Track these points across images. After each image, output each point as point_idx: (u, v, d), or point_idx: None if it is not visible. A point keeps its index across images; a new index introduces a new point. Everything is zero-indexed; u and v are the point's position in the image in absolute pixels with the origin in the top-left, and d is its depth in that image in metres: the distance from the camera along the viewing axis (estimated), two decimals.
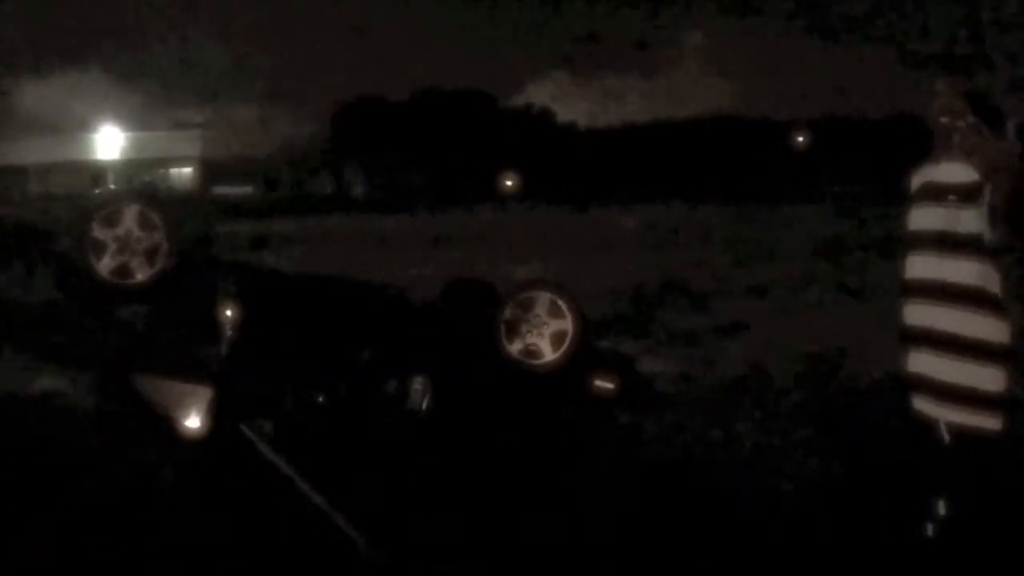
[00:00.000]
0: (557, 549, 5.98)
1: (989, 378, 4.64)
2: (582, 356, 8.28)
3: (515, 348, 8.29)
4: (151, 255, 7.13)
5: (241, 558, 5.57)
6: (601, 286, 15.65)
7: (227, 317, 7.15)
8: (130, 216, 7.10)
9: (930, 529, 4.78)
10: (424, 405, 7.37)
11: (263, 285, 8.26)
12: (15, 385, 7.61)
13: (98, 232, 7.03)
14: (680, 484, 7.06)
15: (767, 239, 21.90)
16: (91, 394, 7.43)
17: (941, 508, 4.76)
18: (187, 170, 31.99)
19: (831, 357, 10.25)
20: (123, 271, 7.07)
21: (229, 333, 7.16)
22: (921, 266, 4.82)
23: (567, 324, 8.40)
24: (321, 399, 7.40)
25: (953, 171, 4.76)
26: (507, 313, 8.32)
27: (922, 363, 4.80)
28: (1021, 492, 4.85)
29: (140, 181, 26.60)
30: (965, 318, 4.66)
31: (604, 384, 8.18)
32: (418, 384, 7.39)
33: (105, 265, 7.04)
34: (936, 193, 4.80)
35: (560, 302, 8.40)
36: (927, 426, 4.79)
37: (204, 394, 6.86)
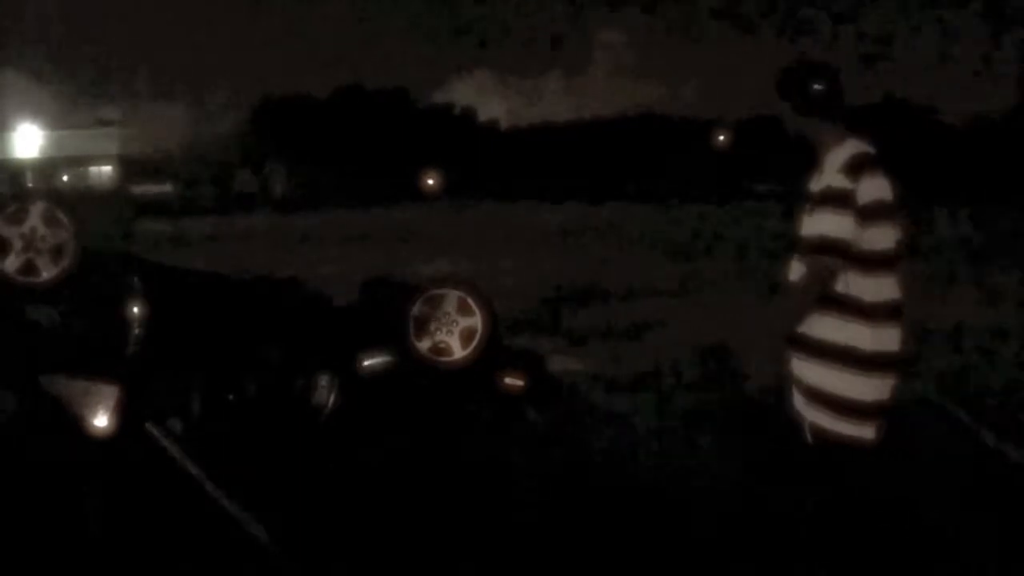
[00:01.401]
0: (462, 545, 6.05)
1: (852, 384, 4.73)
2: (492, 354, 8.33)
3: (424, 345, 8.32)
4: (57, 253, 7.11)
5: (148, 558, 5.58)
6: (519, 284, 15.75)
7: (134, 315, 7.14)
8: (36, 214, 7.08)
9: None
10: (330, 402, 7.40)
11: (172, 283, 8.23)
12: None
13: (3, 230, 7.00)
14: (585, 481, 7.14)
15: (686, 238, 22.08)
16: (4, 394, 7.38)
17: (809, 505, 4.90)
18: (106, 168, 31.70)
19: (739, 356, 10.38)
20: (29, 269, 7.05)
21: (136, 331, 7.15)
22: (796, 269, 4.90)
23: (476, 321, 8.43)
24: (230, 397, 7.40)
25: (813, 180, 4.90)
26: (416, 310, 8.34)
27: (796, 365, 4.88)
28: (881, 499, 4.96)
29: (59, 180, 26.33)
30: (830, 324, 4.74)
31: (513, 381, 8.24)
32: (324, 381, 7.41)
33: (10, 263, 7.02)
34: (809, 198, 4.89)
35: (469, 300, 8.43)
36: (800, 425, 4.89)
37: (111, 393, 6.84)
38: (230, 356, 7.61)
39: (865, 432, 4.77)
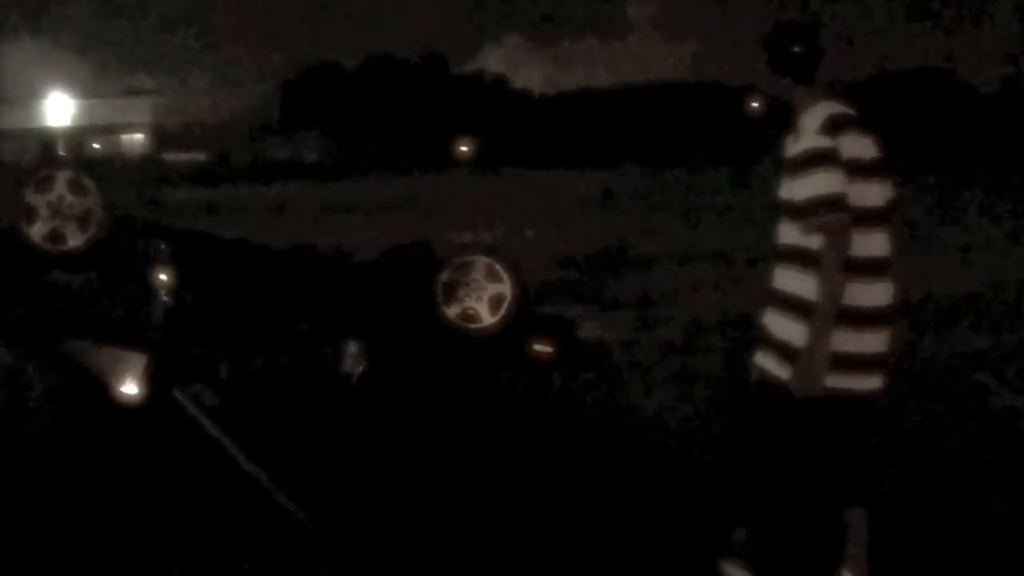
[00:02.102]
0: (490, 512, 6.02)
1: (798, 333, 4.73)
2: (522, 320, 8.28)
3: (453, 312, 8.27)
4: (84, 221, 7.11)
5: (175, 526, 5.56)
6: (551, 251, 15.67)
7: (162, 282, 7.13)
8: (62, 181, 7.07)
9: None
10: (358, 370, 7.36)
11: (201, 250, 8.21)
12: None
13: (30, 197, 7.00)
14: (614, 450, 7.09)
15: (718, 204, 21.96)
16: (33, 364, 7.38)
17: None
18: (139, 136, 31.77)
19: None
20: (56, 236, 7.05)
21: (164, 298, 7.14)
22: (786, 232, 4.91)
23: (505, 288, 8.38)
24: (258, 365, 7.39)
25: (790, 142, 4.92)
26: (445, 276, 8.30)
27: (769, 322, 4.96)
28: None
29: (89, 148, 26.41)
30: (792, 278, 4.79)
31: (542, 348, 8.19)
32: (352, 348, 7.38)
33: (37, 230, 7.01)
34: (790, 163, 4.89)
35: (497, 265, 8.38)
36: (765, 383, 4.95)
37: (138, 360, 6.84)
38: (259, 324, 7.59)
39: (871, 384, 4.81)
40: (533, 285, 8.94)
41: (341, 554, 5.41)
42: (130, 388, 6.75)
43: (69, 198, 7.07)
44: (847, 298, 4.68)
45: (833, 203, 4.62)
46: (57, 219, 7.05)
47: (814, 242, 4.68)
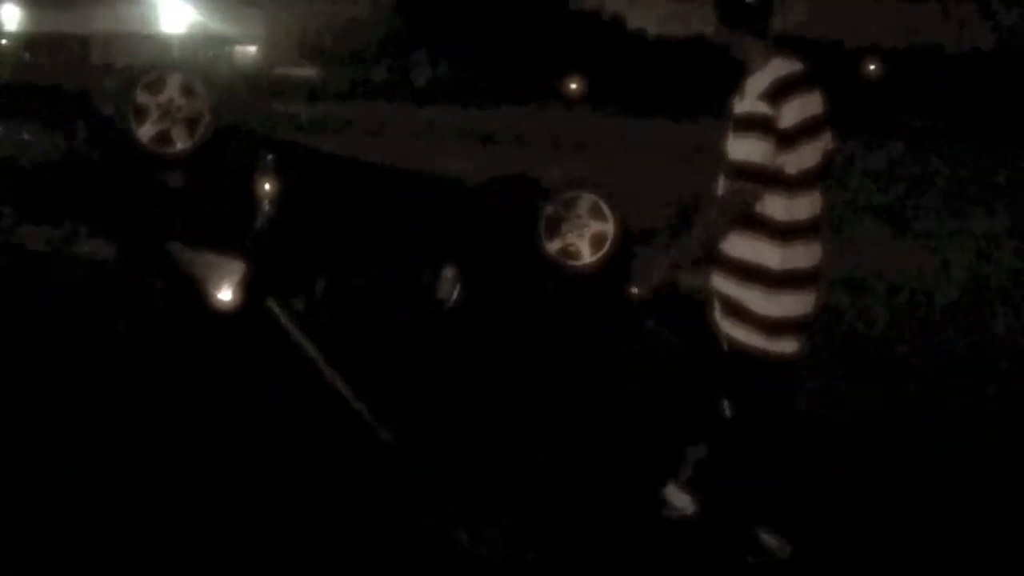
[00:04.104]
0: (571, 444, 5.95)
1: (764, 302, 4.72)
2: (621, 261, 8.18)
3: (554, 247, 8.21)
4: (192, 125, 7.10)
5: (259, 437, 5.55)
6: (652, 195, 15.47)
7: (265, 192, 7.12)
8: (174, 84, 7.06)
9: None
10: (454, 296, 7.32)
11: (306, 164, 8.20)
12: (58, 246, 7.59)
13: (141, 97, 7.00)
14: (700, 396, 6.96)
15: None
16: (130, 261, 7.41)
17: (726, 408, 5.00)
18: (251, 48, 31.85)
19: (866, 288, 10.10)
20: (164, 138, 7.05)
21: (266, 208, 7.13)
22: (723, 187, 4.83)
23: (608, 227, 8.30)
24: (355, 282, 7.37)
25: (735, 99, 4.80)
26: (549, 210, 8.22)
27: (716, 279, 4.89)
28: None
29: (202, 56, 26.52)
30: (745, 243, 4.72)
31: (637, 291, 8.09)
32: (449, 274, 7.33)
33: (146, 132, 7.02)
34: (732, 120, 4.80)
35: (602, 204, 8.29)
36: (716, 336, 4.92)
37: (237, 268, 6.85)
38: (358, 241, 7.57)
39: (783, 347, 4.77)
40: (635, 227, 8.80)
41: (422, 472, 5.36)
42: (225, 295, 6.76)
43: (179, 101, 7.07)
44: (783, 260, 4.68)
45: (753, 174, 4.58)
46: (166, 121, 7.05)
47: (768, 208, 4.64)
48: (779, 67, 4.68)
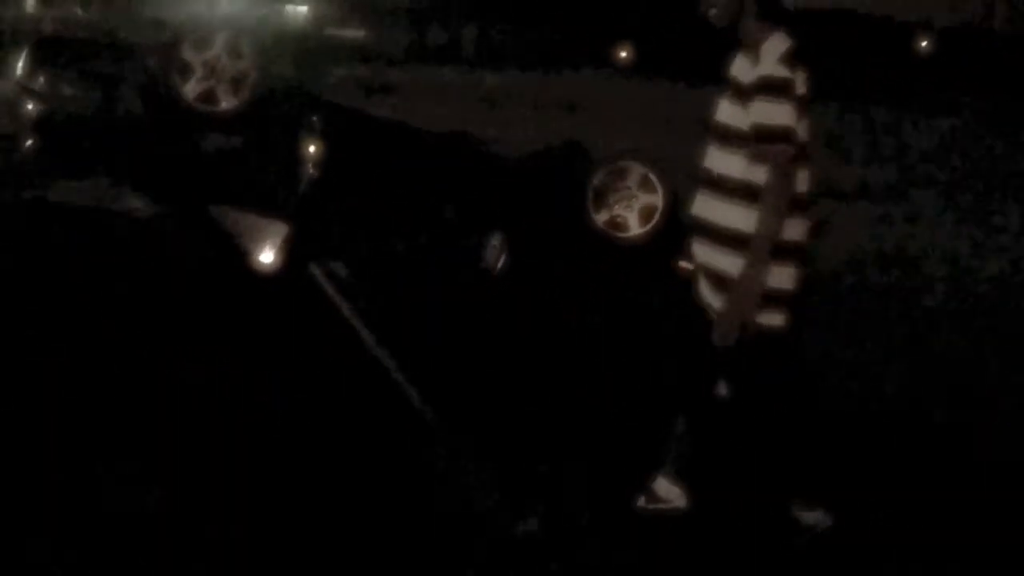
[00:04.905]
0: (612, 415, 5.84)
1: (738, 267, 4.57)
2: (670, 235, 8.03)
3: (601, 218, 8.08)
4: (238, 84, 7.02)
5: (295, 400, 5.46)
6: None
7: (310, 154, 7.04)
8: (220, 42, 6.98)
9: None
10: (500, 264, 7.20)
11: (352, 127, 8.10)
12: (100, 201, 7.53)
13: (187, 54, 6.92)
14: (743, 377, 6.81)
15: (873, 141, 21.26)
16: (171, 220, 7.34)
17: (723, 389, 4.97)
18: (302, 8, 31.79)
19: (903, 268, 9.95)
20: (209, 97, 6.98)
21: (310, 171, 7.05)
22: (708, 157, 4.76)
23: (658, 199, 8.16)
24: (399, 247, 7.28)
25: (737, 65, 4.73)
26: (597, 181, 8.09)
27: (703, 255, 4.75)
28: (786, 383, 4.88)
29: (253, 15, 26.46)
30: (740, 213, 4.58)
31: (688, 265, 7.94)
32: (495, 241, 7.21)
33: (191, 89, 6.96)
34: (727, 84, 4.75)
35: (652, 175, 8.15)
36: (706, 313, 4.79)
37: (279, 230, 6.77)
38: (404, 206, 7.48)
39: (773, 320, 4.64)
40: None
41: (460, 447, 5.25)
42: (268, 257, 6.68)
43: (225, 59, 6.99)
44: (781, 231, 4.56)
45: (782, 136, 4.47)
46: (212, 79, 6.98)
47: (759, 174, 4.51)
48: (784, 38, 4.62)
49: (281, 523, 4.50)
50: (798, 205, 4.62)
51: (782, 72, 4.51)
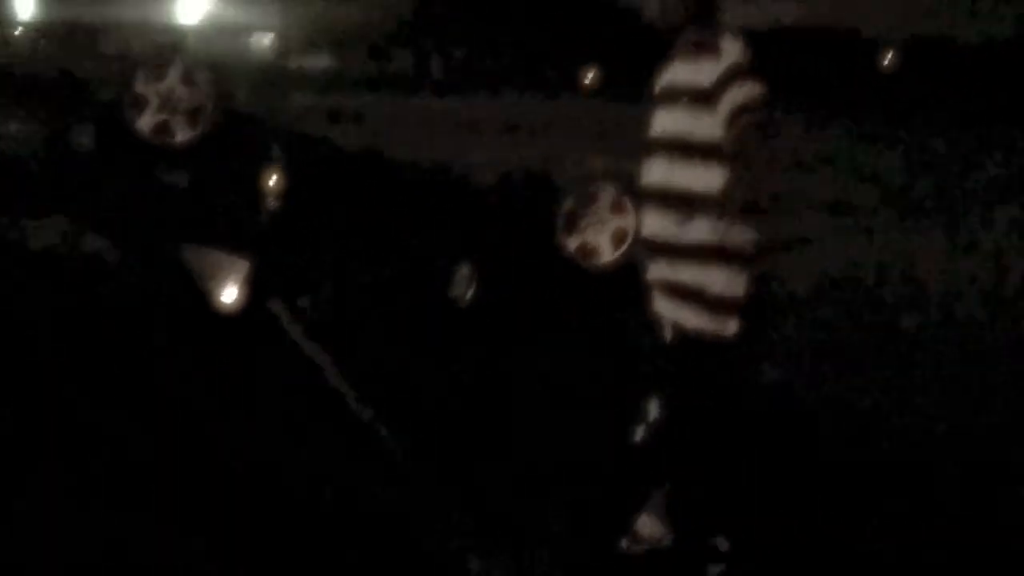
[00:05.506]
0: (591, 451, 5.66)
1: (718, 280, 4.50)
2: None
3: (572, 244, 7.92)
4: (194, 116, 6.84)
5: (259, 447, 5.26)
6: None
7: (271, 186, 6.89)
8: (174, 73, 6.80)
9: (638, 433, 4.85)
10: (468, 294, 7.04)
11: (314, 157, 7.96)
12: (60, 244, 7.34)
13: (141, 86, 6.74)
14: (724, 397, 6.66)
15: (844, 157, 21.29)
16: (134, 259, 7.15)
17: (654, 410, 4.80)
18: (266, 39, 31.70)
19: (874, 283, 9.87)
20: (164, 129, 6.79)
21: (272, 203, 6.90)
22: (654, 172, 4.66)
23: (629, 222, 7.99)
24: (365, 280, 7.13)
25: (687, 71, 4.59)
26: (568, 206, 7.93)
27: (657, 271, 4.66)
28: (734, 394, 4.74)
29: (215, 46, 26.41)
30: (694, 224, 4.50)
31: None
32: (464, 271, 7.05)
33: (145, 122, 6.77)
34: (672, 94, 4.63)
35: (624, 198, 7.99)
36: (656, 326, 4.73)
37: (240, 267, 6.61)
38: (369, 237, 7.32)
39: (730, 327, 4.54)
40: None
41: (435, 487, 5.08)
42: (229, 295, 6.51)
43: (180, 90, 6.82)
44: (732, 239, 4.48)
45: (759, 107, 4.42)
46: (166, 111, 6.80)
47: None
48: (733, 38, 4.56)
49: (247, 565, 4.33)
50: (750, 211, 4.50)
51: (747, 58, 4.45)
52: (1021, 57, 27.37)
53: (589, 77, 28.43)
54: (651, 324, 4.74)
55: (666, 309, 4.64)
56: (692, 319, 4.56)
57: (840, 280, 9.81)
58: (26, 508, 4.57)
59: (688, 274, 4.52)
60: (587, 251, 7.90)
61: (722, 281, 4.49)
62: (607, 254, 7.92)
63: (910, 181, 16.54)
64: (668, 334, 4.67)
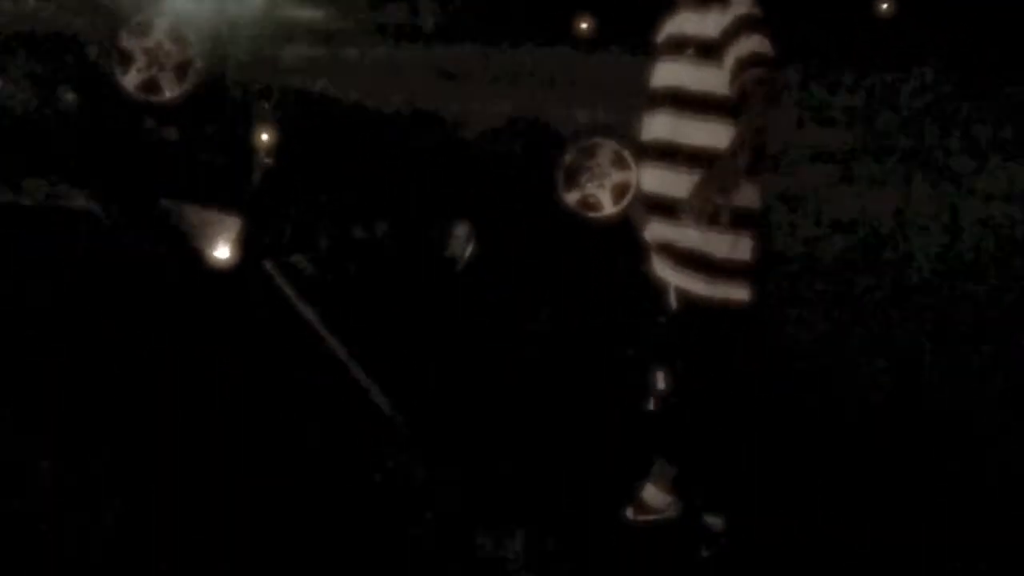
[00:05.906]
0: (589, 408, 5.59)
1: (723, 245, 4.36)
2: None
3: (573, 197, 7.80)
4: (182, 72, 6.68)
5: (254, 401, 5.14)
6: None
7: (262, 143, 6.74)
8: (161, 28, 6.63)
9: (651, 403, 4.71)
10: (466, 253, 6.91)
11: (307, 111, 7.80)
12: (48, 200, 7.19)
13: (126, 42, 6.57)
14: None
15: (836, 103, 21.13)
16: (123, 218, 7.00)
17: (661, 381, 4.65)
18: None
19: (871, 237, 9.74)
20: (151, 86, 6.62)
21: (264, 160, 6.76)
22: (657, 126, 4.51)
23: (631, 176, 7.87)
24: (360, 237, 7.00)
25: (693, 22, 4.45)
26: (568, 160, 7.80)
27: (658, 231, 4.50)
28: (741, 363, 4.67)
29: (206, 1, 26.22)
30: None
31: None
32: (461, 230, 6.92)
33: (131, 78, 6.61)
34: (677, 46, 4.50)
35: (625, 152, 7.86)
36: (661, 292, 4.57)
37: (232, 224, 6.48)
38: (364, 194, 7.19)
39: (738, 294, 4.43)
40: None
41: (425, 452, 4.95)
42: (222, 253, 6.38)
43: (167, 46, 6.67)
44: (757, 199, 4.43)
45: (769, 61, 4.24)
46: (153, 68, 6.65)
47: (724, 142, 4.19)
48: None
49: (243, 536, 4.19)
50: (752, 172, 4.32)
51: (756, 11, 4.32)
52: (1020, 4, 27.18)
53: (584, 26, 28.15)
54: (654, 289, 4.61)
55: (668, 273, 4.50)
56: (697, 285, 4.42)
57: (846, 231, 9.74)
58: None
59: (691, 236, 4.34)
60: (588, 204, 7.80)
61: (728, 244, 4.36)
62: (608, 207, 7.82)
63: (911, 129, 16.45)
64: (672, 300, 4.52)
